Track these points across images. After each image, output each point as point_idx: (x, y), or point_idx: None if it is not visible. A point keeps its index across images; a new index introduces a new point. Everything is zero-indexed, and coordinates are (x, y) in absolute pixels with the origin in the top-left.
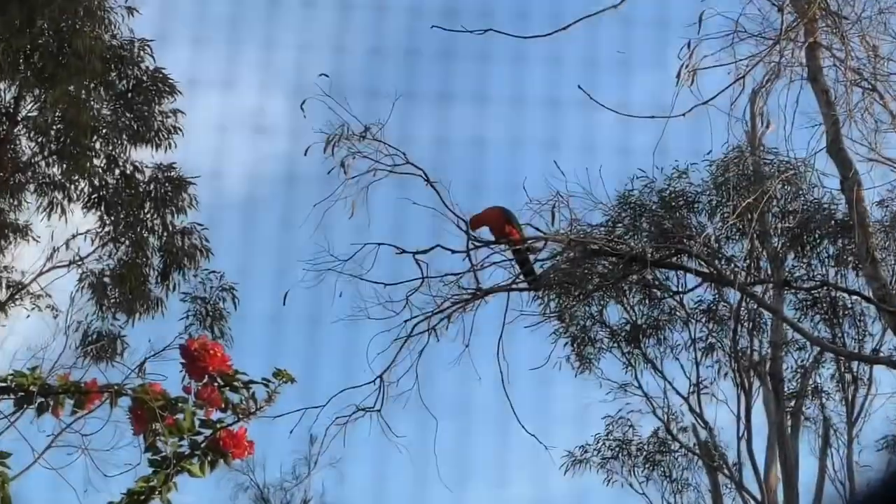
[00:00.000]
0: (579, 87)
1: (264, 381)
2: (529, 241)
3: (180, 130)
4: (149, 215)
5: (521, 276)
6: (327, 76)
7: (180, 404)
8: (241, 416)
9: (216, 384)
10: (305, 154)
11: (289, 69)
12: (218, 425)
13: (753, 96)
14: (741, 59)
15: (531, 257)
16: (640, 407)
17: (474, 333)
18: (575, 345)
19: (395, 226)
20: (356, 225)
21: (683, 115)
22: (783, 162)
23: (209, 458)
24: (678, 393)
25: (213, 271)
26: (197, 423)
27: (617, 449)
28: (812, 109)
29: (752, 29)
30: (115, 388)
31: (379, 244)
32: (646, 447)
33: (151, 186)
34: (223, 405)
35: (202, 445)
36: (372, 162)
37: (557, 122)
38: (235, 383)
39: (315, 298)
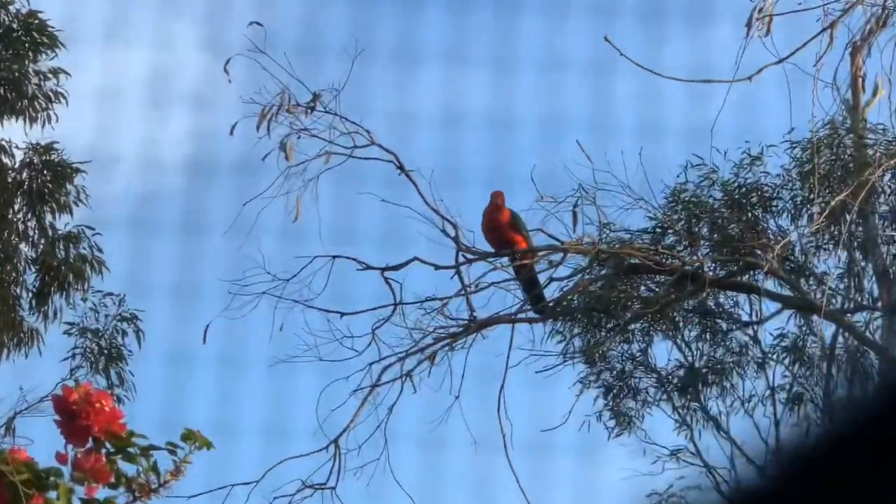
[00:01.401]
0: (606, 39)
1: (170, 447)
2: (544, 253)
3: (64, 98)
4: (20, 215)
5: (531, 301)
6: (261, 25)
7: (53, 478)
8: (137, 495)
9: (104, 450)
10: (232, 133)
11: (209, 16)
12: None
13: (853, 52)
14: (830, 2)
15: (541, 275)
16: (700, 481)
17: (467, 381)
18: (609, 397)
19: (357, 231)
20: (302, 230)
21: (750, 78)
22: (892, 142)
23: None
24: (752, 461)
25: (110, 294)
26: (77, 503)
27: None
28: None
29: None
30: None
31: (333, 257)
32: None
33: (24, 175)
34: (113, 479)
35: None
36: (324, 143)
37: (579, 90)
38: (130, 449)
39: (246, 332)
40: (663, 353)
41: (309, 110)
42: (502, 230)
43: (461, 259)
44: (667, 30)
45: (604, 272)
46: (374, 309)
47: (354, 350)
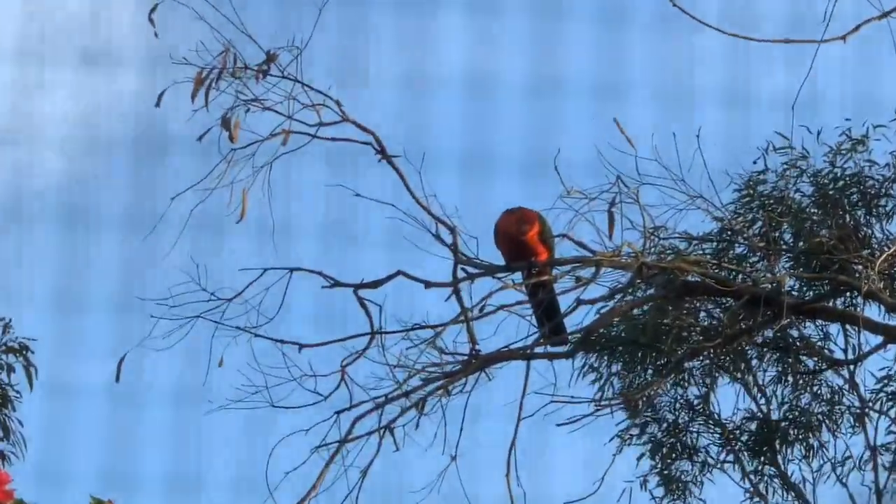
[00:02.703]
0: None
1: None
2: (570, 268)
3: None
4: None
5: (547, 332)
6: None
7: None
8: None
9: None
10: (158, 104)
11: None
12: None
13: None
14: None
15: (567, 296)
16: None
17: (468, 435)
18: (657, 457)
19: (324, 236)
20: (249, 234)
21: (844, 37)
22: None
23: None
24: None
25: None
26: None
27: None
28: None
29: None
30: None
31: (291, 269)
32: None
33: None
34: None
35: None
36: (281, 118)
37: (616, 51)
38: None
39: (174, 368)
40: (729, 399)
41: (261, 75)
42: (527, 248)
43: (460, 274)
44: None
45: (650, 293)
46: (343, 339)
47: (318, 394)
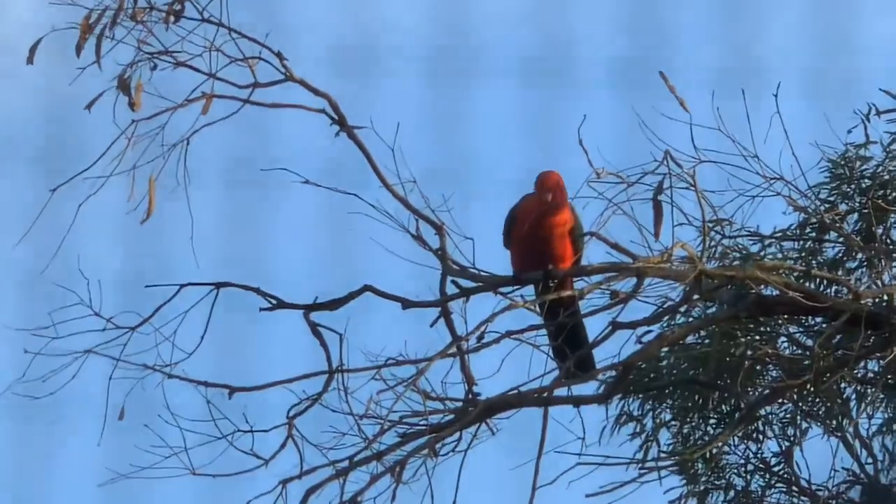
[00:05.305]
0: None
1: None
2: (606, 278)
3: None
4: None
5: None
6: None
7: None
8: None
9: None
10: (31, 61)
11: None
12: None
13: None
14: None
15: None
16: None
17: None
18: None
19: (261, 239)
20: (159, 236)
21: None
22: None
23: None
24: None
25: None
26: None
27: None
28: None
29: None
30: None
31: (217, 285)
32: None
33: None
34: None
35: None
36: (201, 77)
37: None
38: None
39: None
40: (822, 457)
41: (172, 18)
42: (553, 244)
43: (451, 289)
44: None
45: (712, 312)
46: (291, 381)
47: (256, 456)
